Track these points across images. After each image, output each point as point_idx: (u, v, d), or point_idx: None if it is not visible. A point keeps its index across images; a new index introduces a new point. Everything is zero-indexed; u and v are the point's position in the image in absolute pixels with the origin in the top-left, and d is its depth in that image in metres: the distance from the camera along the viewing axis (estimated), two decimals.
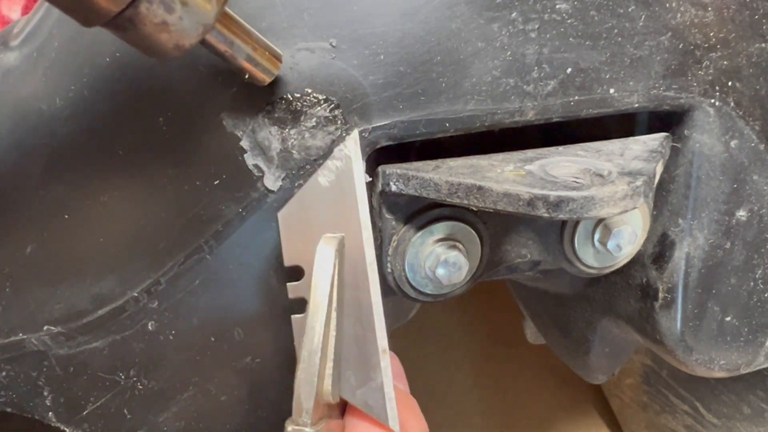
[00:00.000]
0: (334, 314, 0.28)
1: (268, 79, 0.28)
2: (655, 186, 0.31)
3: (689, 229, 0.35)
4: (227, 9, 0.26)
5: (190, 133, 0.30)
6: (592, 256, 0.36)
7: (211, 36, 0.25)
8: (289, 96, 0.29)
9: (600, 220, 0.35)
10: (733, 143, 0.34)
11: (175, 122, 0.30)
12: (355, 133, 0.29)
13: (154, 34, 0.23)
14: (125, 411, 0.33)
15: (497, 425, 0.88)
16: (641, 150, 0.32)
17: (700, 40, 0.33)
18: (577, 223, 0.35)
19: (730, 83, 0.34)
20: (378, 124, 0.30)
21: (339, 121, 0.30)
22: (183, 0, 0.23)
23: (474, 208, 0.30)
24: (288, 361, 0.33)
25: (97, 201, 0.32)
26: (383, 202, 0.32)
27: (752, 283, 0.37)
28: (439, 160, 0.32)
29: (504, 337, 0.93)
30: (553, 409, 0.89)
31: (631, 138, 0.34)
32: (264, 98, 0.29)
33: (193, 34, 0.24)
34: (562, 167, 0.29)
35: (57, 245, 0.32)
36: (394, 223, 0.33)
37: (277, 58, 0.28)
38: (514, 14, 0.30)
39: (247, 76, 0.27)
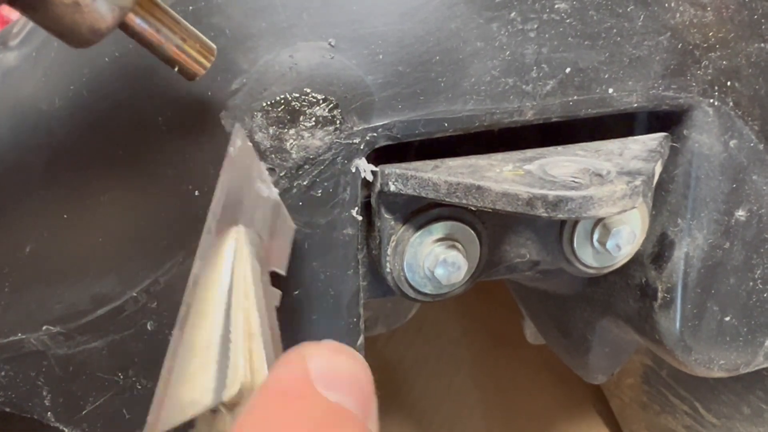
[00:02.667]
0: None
1: (200, 72, 0.26)
2: (654, 186, 0.31)
3: (688, 228, 0.35)
4: None
5: (189, 133, 0.30)
6: (591, 256, 0.36)
7: (133, 21, 0.24)
8: (288, 96, 0.29)
9: (599, 220, 0.35)
10: (732, 143, 0.34)
11: (175, 122, 0.30)
12: (237, 126, 0.28)
13: (66, 16, 0.22)
14: (124, 411, 0.33)
15: (497, 425, 0.88)
16: (640, 150, 0.32)
17: (699, 40, 0.33)
18: (576, 222, 0.35)
19: (729, 83, 0.34)
20: (377, 124, 0.30)
21: (338, 121, 0.30)
22: None
23: (473, 208, 0.30)
24: None
25: (96, 201, 0.32)
26: (382, 201, 0.32)
27: (751, 283, 0.37)
28: (438, 160, 0.32)
29: (504, 337, 0.93)
30: (553, 409, 0.89)
31: (630, 138, 0.34)
32: (264, 98, 0.29)
33: (108, 17, 0.23)
34: (561, 167, 0.29)
35: (56, 245, 0.32)
36: (392, 222, 0.33)
37: (209, 50, 0.26)
38: (513, 14, 0.30)
39: (177, 69, 0.26)
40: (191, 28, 0.26)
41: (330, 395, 0.20)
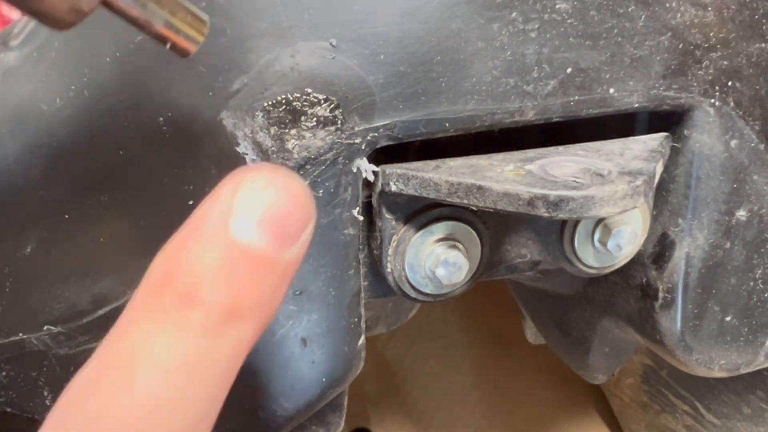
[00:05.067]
0: None
1: (192, 49, 0.24)
2: (655, 186, 0.31)
3: (689, 228, 0.35)
4: None
5: (190, 133, 0.30)
6: (592, 256, 0.36)
7: None
8: (289, 96, 0.29)
9: (600, 220, 0.35)
10: (733, 143, 0.34)
11: (176, 122, 0.30)
12: None
13: None
14: None
15: (497, 425, 0.88)
16: (641, 150, 0.32)
17: (700, 40, 0.33)
18: (577, 223, 0.35)
19: (730, 83, 0.34)
20: (378, 124, 0.30)
21: (339, 121, 0.30)
22: None
23: (474, 208, 0.30)
24: (289, 361, 0.33)
25: (97, 201, 0.32)
26: (383, 201, 0.32)
27: (752, 283, 0.37)
28: (439, 160, 0.32)
29: (504, 337, 0.93)
30: (553, 409, 0.89)
31: (631, 138, 0.34)
32: (265, 98, 0.29)
33: None
34: (562, 167, 0.30)
35: (57, 245, 0.32)
36: (394, 222, 0.33)
37: (201, 23, 0.24)
38: (514, 14, 0.30)
39: (168, 46, 0.24)
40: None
41: (242, 233, 0.20)
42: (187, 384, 0.19)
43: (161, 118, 0.30)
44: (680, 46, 0.33)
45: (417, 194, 0.30)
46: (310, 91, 0.29)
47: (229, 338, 0.20)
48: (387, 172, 0.31)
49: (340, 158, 0.30)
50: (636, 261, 0.37)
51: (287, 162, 0.30)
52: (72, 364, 0.33)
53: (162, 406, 0.19)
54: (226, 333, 0.20)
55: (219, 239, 0.20)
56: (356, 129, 0.30)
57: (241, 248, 0.20)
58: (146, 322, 0.20)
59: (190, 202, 0.31)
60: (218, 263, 0.20)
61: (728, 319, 0.37)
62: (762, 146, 0.35)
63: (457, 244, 0.33)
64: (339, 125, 0.30)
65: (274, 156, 0.30)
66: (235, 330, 0.20)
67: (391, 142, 0.31)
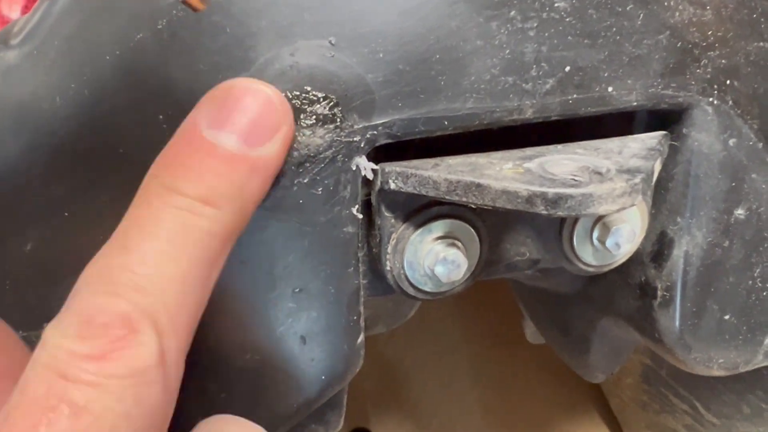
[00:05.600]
0: None
1: (202, 6, 0.26)
2: (653, 184, 0.31)
3: (688, 227, 0.35)
4: None
5: None
6: (591, 255, 0.36)
7: None
8: (288, 94, 0.29)
9: (598, 219, 0.35)
10: (731, 142, 0.34)
11: (176, 120, 0.30)
12: None
13: None
14: None
15: (497, 425, 0.88)
16: (639, 148, 0.32)
17: (699, 39, 0.33)
18: (575, 221, 0.35)
19: (728, 82, 0.34)
20: (377, 122, 0.30)
21: (338, 119, 0.30)
22: None
23: (473, 206, 0.30)
24: (289, 359, 0.33)
25: (97, 199, 0.32)
26: (382, 200, 0.32)
27: (751, 282, 0.37)
28: (438, 158, 0.32)
29: (504, 337, 0.93)
30: (553, 409, 0.89)
31: (629, 136, 0.34)
32: None
33: None
34: (561, 165, 0.30)
35: (57, 243, 0.32)
36: (393, 221, 0.33)
37: None
38: (513, 12, 0.30)
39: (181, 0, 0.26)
40: None
41: (209, 135, 0.25)
42: (176, 247, 0.23)
43: (161, 116, 0.30)
44: (679, 45, 0.33)
45: (416, 192, 0.30)
46: (309, 89, 0.29)
47: (206, 217, 0.24)
48: (386, 170, 0.31)
49: (339, 156, 0.30)
50: (635, 259, 0.37)
51: (286, 160, 0.30)
52: None
53: (155, 263, 0.23)
54: (203, 213, 0.24)
55: (193, 141, 0.25)
56: (355, 127, 0.30)
57: (209, 147, 0.25)
58: (140, 208, 0.25)
59: None
60: (191, 160, 0.25)
61: (727, 317, 0.37)
62: (760, 145, 0.35)
63: (456, 242, 0.33)
64: (338, 123, 0.30)
65: None
66: (211, 211, 0.24)
67: (390, 140, 0.31)
